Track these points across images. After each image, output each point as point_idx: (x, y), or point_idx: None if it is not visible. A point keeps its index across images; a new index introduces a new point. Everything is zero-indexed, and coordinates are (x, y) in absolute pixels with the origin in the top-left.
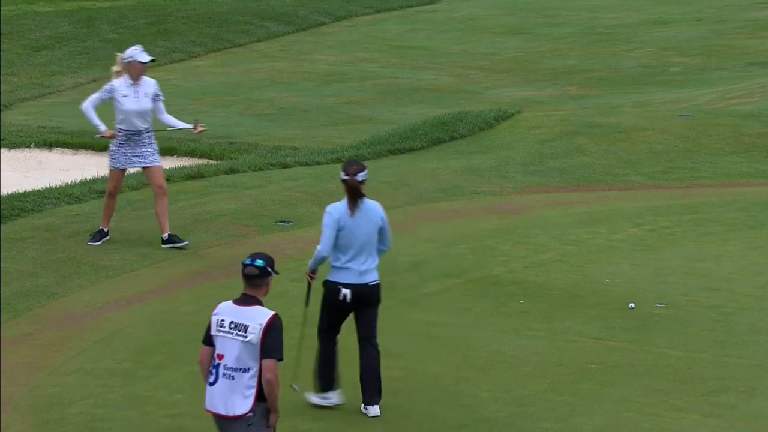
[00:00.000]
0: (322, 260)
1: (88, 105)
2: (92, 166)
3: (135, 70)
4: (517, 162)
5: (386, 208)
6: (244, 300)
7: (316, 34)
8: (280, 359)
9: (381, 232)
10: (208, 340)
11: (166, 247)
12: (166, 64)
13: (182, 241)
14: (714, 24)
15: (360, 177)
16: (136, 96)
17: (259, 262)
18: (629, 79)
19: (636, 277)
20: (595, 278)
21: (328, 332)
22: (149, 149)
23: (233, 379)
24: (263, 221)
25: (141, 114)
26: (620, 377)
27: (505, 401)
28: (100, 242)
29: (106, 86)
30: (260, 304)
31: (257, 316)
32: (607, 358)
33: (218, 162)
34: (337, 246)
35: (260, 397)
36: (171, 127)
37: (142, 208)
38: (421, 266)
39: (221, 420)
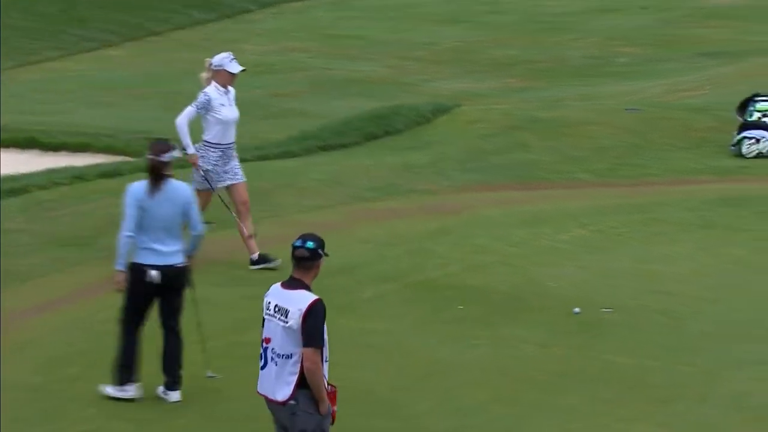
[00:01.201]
0: (126, 241)
1: (183, 120)
2: None
3: (224, 79)
4: (456, 159)
5: (318, 207)
6: (291, 283)
7: (242, 22)
8: (318, 347)
9: (187, 215)
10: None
11: (257, 268)
12: (77, 53)
13: (275, 260)
14: (660, 12)
15: (165, 158)
16: (230, 104)
17: (310, 244)
18: (574, 71)
19: (582, 280)
20: (539, 282)
21: (131, 321)
22: (236, 163)
23: (277, 364)
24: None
25: (236, 122)
26: (566, 386)
27: (445, 413)
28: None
29: (201, 97)
30: (307, 288)
31: (299, 301)
32: (552, 366)
33: (135, 159)
34: (140, 227)
35: (304, 384)
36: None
37: (52, 209)
38: (355, 269)
39: (271, 404)
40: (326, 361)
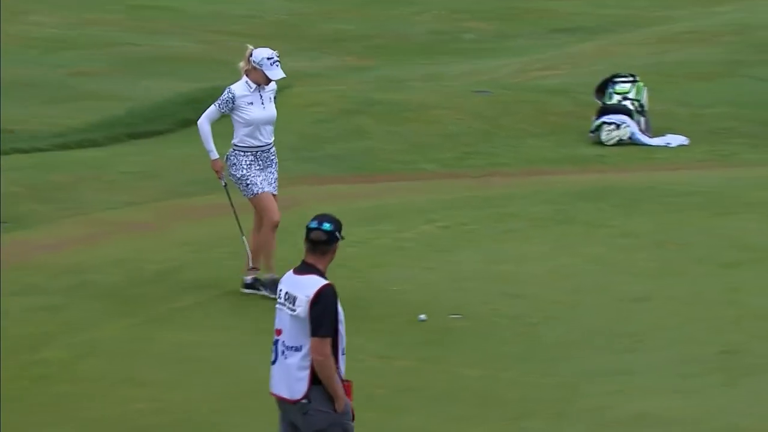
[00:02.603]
0: None
1: (204, 121)
2: None
3: (258, 77)
4: (287, 147)
5: (128, 204)
6: (303, 268)
7: None
8: (326, 336)
9: None
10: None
11: (248, 293)
12: None
13: (269, 289)
14: None
15: None
16: (261, 102)
17: (327, 226)
18: (417, 48)
19: (429, 283)
20: (381, 285)
21: None
22: (274, 171)
23: (287, 358)
24: None
25: (269, 123)
26: (411, 402)
27: None
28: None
29: (224, 95)
30: (320, 273)
31: (307, 287)
32: (395, 380)
33: None
34: None
35: (318, 379)
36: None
37: None
38: (173, 275)
39: (282, 403)
40: (343, 354)
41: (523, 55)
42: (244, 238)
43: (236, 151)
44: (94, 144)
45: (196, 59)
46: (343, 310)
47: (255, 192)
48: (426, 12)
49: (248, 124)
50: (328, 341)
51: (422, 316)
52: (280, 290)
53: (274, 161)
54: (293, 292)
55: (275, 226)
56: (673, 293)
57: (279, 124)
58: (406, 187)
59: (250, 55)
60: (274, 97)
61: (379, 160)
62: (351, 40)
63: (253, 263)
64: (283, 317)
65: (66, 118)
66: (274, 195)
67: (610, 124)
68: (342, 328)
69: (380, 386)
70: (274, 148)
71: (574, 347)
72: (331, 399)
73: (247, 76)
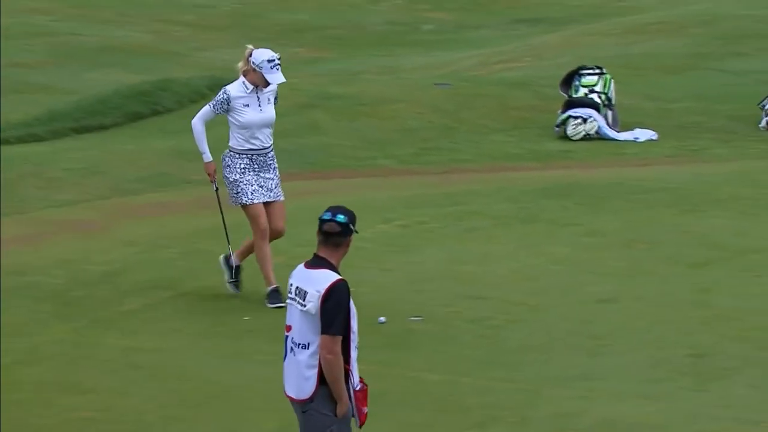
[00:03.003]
0: None
1: (197, 122)
2: None
3: (256, 79)
4: None
5: (71, 202)
6: (314, 262)
7: None
8: (337, 335)
9: None
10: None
11: (230, 283)
12: None
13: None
14: None
15: None
16: (258, 104)
17: (341, 218)
18: (374, 39)
19: (387, 284)
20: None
21: None
22: (273, 177)
23: (296, 355)
24: None
25: (266, 126)
26: (369, 409)
27: None
28: (280, 303)
29: (219, 95)
30: (332, 268)
31: (319, 282)
32: None
33: None
34: None
35: (325, 380)
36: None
37: None
38: (119, 276)
39: (292, 403)
40: (356, 348)
41: (484, 46)
42: (230, 248)
43: (231, 153)
44: (36, 139)
45: (143, 50)
46: None
47: (243, 202)
48: (383, 1)
49: (243, 126)
50: (338, 339)
51: (381, 319)
52: (291, 285)
53: (273, 165)
54: (304, 286)
55: (265, 235)
56: (640, 294)
57: (226, 119)
58: (362, 184)
59: (250, 56)
60: (275, 98)
61: (334, 156)
62: (305, 30)
63: (238, 260)
64: (293, 313)
65: (6, 111)
66: (275, 202)
67: (576, 117)
68: (355, 324)
69: None
70: (272, 152)
71: (538, 351)
72: (334, 402)
73: (244, 76)
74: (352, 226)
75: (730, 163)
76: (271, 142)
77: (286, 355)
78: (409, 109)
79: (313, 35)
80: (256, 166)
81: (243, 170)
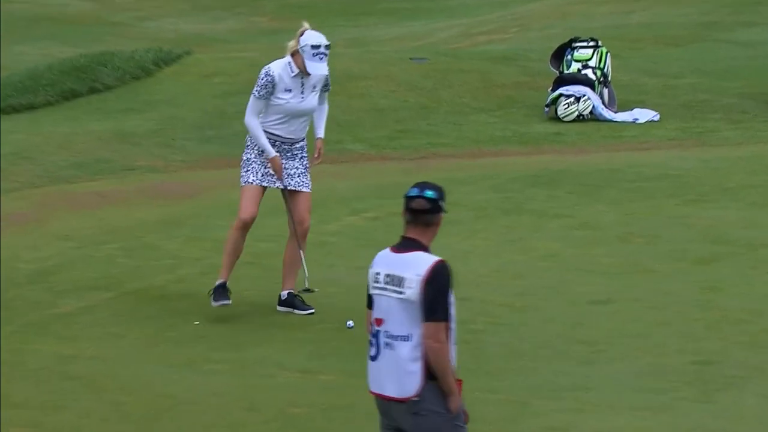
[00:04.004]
0: None
1: (250, 118)
2: None
3: (299, 64)
4: (188, 124)
5: None
6: (404, 245)
7: None
8: (443, 320)
9: None
10: (370, 302)
11: (283, 311)
12: None
13: (308, 309)
14: None
15: None
16: (301, 91)
17: (430, 193)
18: (340, 7)
19: (357, 284)
20: (300, 286)
21: None
22: (300, 165)
23: (393, 349)
24: None
25: (303, 115)
26: (335, 424)
27: None
28: (225, 301)
29: (263, 78)
30: (425, 249)
31: (417, 265)
32: (317, 398)
33: None
34: None
35: (432, 374)
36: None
37: None
38: (52, 275)
39: (385, 403)
40: (454, 345)
41: (465, 16)
42: (301, 252)
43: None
44: None
45: (80, 19)
46: (257, 316)
47: (243, 182)
48: None
49: (279, 112)
50: (443, 326)
51: (350, 323)
52: (378, 273)
53: (299, 155)
54: (398, 272)
55: (244, 225)
56: (638, 294)
57: (175, 97)
58: (328, 171)
59: (301, 35)
60: (324, 85)
61: None
62: None
63: (287, 281)
64: (386, 303)
65: None
66: (299, 193)
67: (568, 96)
68: (454, 312)
69: (299, 405)
70: (302, 143)
71: (524, 358)
72: (443, 397)
73: (292, 57)
74: (441, 204)
75: (740, 147)
76: (303, 135)
77: (377, 353)
78: (380, 87)
79: (273, 3)
80: (281, 153)
81: (260, 153)
